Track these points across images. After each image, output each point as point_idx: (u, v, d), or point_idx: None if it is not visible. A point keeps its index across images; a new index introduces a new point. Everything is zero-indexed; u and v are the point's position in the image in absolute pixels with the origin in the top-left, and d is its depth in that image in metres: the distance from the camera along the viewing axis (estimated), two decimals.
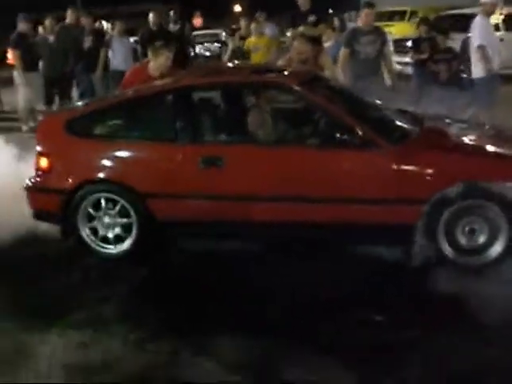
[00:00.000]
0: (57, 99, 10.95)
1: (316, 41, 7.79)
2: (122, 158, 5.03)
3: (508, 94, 9.91)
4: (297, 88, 4.96)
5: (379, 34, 8.17)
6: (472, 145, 5.14)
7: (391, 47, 10.79)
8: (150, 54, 6.29)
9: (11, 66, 11.20)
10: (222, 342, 3.77)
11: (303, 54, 6.77)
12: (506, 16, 15.35)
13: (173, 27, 12.04)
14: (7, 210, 5.46)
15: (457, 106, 7.75)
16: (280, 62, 7.25)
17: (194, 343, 3.77)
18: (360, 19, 8.30)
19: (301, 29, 8.40)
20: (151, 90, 5.39)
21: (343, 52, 8.05)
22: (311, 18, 8.70)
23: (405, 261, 4.62)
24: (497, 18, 14.89)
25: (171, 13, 12.39)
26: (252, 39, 9.75)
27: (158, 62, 6.17)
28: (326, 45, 9.90)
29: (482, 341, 3.65)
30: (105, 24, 15.98)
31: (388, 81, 8.07)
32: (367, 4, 8.28)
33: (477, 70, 7.91)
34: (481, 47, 7.71)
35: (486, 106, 7.86)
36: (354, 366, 3.49)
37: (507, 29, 14.72)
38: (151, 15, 11.77)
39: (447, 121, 5.76)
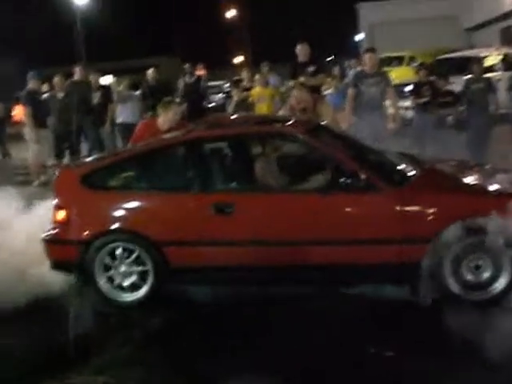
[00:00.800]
0: (67, 154, 11.25)
1: (315, 90, 8.17)
2: (136, 208, 5.25)
3: (505, 134, 10.17)
4: (301, 136, 5.22)
5: (383, 76, 8.65)
6: (472, 184, 5.34)
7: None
8: (159, 108, 6.58)
9: (17, 123, 11.52)
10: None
11: (302, 102, 7.05)
12: (504, 56, 15.72)
13: (188, 79, 12.42)
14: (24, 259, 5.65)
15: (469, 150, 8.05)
16: (281, 112, 7.54)
17: None
18: (364, 63, 8.83)
19: (301, 79, 8.76)
20: (162, 143, 5.64)
21: (350, 92, 8.60)
22: (310, 69, 9.11)
23: (413, 299, 4.78)
24: (495, 59, 15.27)
25: (187, 65, 12.75)
26: (256, 90, 10.02)
27: (167, 116, 6.46)
28: (326, 93, 10.26)
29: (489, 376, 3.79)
30: (111, 78, 16.41)
31: (391, 124, 8.39)
32: (369, 49, 9.00)
33: None
34: None
35: None
36: None
37: (505, 69, 15.03)
38: (150, 72, 12.25)
39: (451, 163, 5.98)
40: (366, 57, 8.68)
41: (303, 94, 7.12)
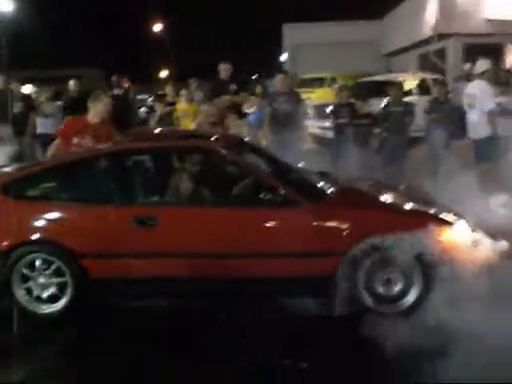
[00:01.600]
0: None
1: (236, 107, 8.69)
2: (56, 219, 5.22)
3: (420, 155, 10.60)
4: (223, 152, 5.35)
5: (292, 94, 9.67)
6: (385, 202, 5.59)
7: (310, 112, 11.61)
8: (89, 101, 6.58)
9: None
10: None
11: (212, 117, 7.30)
12: (420, 81, 16.34)
13: (116, 91, 12.35)
14: None
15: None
16: (193, 126, 7.79)
17: None
18: (275, 84, 9.85)
19: (225, 98, 9.13)
20: (84, 155, 5.65)
21: (267, 111, 9.52)
22: (232, 87, 9.48)
23: (327, 311, 4.97)
24: (411, 83, 15.86)
25: (114, 77, 12.65)
26: (181, 105, 10.09)
27: (97, 107, 6.45)
28: (249, 111, 10.64)
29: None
30: (30, 87, 16.10)
31: (304, 143, 9.18)
32: (281, 71, 10.85)
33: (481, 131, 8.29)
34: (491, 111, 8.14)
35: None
36: None
37: (422, 93, 15.61)
38: (71, 83, 12.15)
39: (366, 181, 6.24)
40: (277, 78, 9.71)
41: (211, 109, 7.44)
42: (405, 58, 27.87)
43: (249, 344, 4.58)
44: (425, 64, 23.83)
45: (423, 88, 15.97)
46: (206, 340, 4.73)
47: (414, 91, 15.72)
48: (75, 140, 6.33)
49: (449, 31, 21.26)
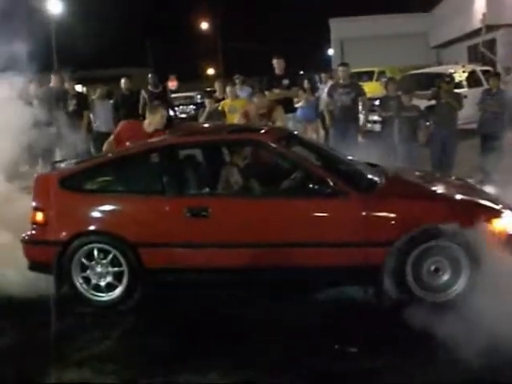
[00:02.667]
0: (40, 161, 11.31)
1: (288, 102, 8.83)
2: (112, 210, 5.43)
3: (472, 148, 10.53)
4: (273, 144, 5.46)
5: (354, 87, 9.96)
6: (433, 192, 5.62)
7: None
8: (147, 111, 6.91)
9: None
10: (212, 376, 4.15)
11: (262, 108, 7.41)
12: (469, 73, 16.16)
13: (153, 89, 12.56)
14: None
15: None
16: (238, 117, 7.93)
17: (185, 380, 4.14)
18: (337, 75, 10.34)
19: (276, 91, 9.30)
20: (138, 149, 5.83)
21: (326, 100, 10.11)
22: (285, 82, 9.78)
23: (375, 299, 5.04)
24: (460, 76, 15.70)
25: (150, 76, 12.88)
26: (227, 101, 10.25)
27: (154, 119, 6.71)
28: (298, 105, 10.82)
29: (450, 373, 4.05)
30: (80, 87, 16.48)
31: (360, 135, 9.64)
32: (342, 63, 10.53)
33: None
34: None
35: None
36: None
37: (471, 86, 15.44)
38: (123, 81, 12.44)
39: (415, 172, 6.28)
40: (339, 69, 10.09)
41: (262, 101, 7.53)
42: (454, 50, 27.55)
43: (299, 330, 4.70)
44: (474, 56, 23.51)
45: (473, 80, 15.79)
46: (261, 329, 4.86)
47: (464, 83, 15.56)
48: (128, 144, 6.54)
49: (498, 22, 20.94)
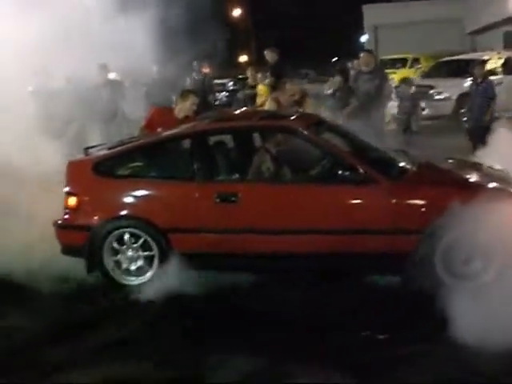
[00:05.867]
0: None
1: None
2: (143, 195, 5.50)
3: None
4: (303, 131, 5.46)
5: (378, 73, 9.66)
6: (464, 179, 5.57)
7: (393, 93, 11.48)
8: (178, 98, 6.97)
9: None
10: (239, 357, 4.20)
11: (295, 95, 7.40)
12: (505, 60, 15.93)
13: (196, 76, 12.66)
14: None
15: None
16: (269, 102, 7.95)
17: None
18: (360, 62, 9.93)
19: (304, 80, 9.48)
20: (169, 135, 5.88)
21: (350, 89, 9.62)
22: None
23: (405, 286, 5.04)
24: (495, 62, 15.48)
25: (195, 63, 12.98)
26: (260, 87, 10.28)
27: (184, 105, 6.77)
28: (328, 92, 10.85)
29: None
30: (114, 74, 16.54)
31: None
32: (365, 50, 11.01)
33: None
34: None
35: None
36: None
37: (506, 72, 15.23)
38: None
39: (446, 160, 6.22)
40: (361, 56, 9.82)
41: (295, 88, 7.53)
42: (490, 37, 27.10)
43: (327, 316, 4.73)
44: (511, 42, 23.11)
45: (509, 67, 15.56)
46: (284, 313, 4.89)
47: (499, 70, 15.34)
48: (159, 130, 6.60)
49: None
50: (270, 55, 10.56)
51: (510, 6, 22.68)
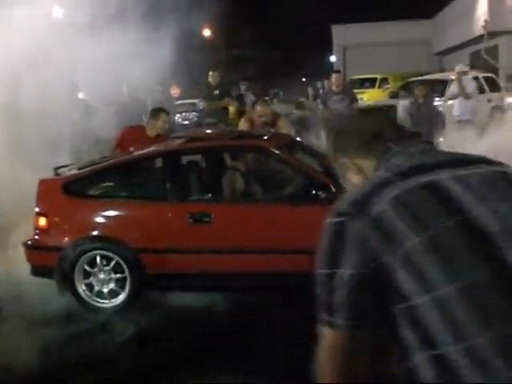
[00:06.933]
0: None
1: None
2: (115, 216, 5.44)
3: None
4: (275, 151, 5.46)
5: (347, 94, 10.03)
6: None
7: None
8: (150, 116, 6.97)
9: None
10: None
11: (265, 116, 7.43)
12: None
13: (158, 98, 12.64)
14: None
15: None
16: (242, 122, 7.95)
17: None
18: (330, 83, 10.32)
19: (275, 100, 9.65)
20: (141, 155, 5.84)
21: (321, 110, 10.00)
22: (216, 92, 10.88)
23: None
24: None
25: (159, 87, 13.00)
26: (230, 107, 10.38)
27: (157, 123, 6.76)
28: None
29: None
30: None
31: None
32: (335, 70, 11.08)
33: None
34: None
35: None
36: None
37: None
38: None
39: None
40: (332, 77, 10.14)
41: (266, 109, 7.54)
42: (457, 57, 27.55)
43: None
44: (477, 62, 23.53)
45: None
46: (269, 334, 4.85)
47: None
48: (131, 149, 6.55)
49: (500, 29, 20.98)
50: (212, 77, 11.10)
51: (475, 27, 23.10)
